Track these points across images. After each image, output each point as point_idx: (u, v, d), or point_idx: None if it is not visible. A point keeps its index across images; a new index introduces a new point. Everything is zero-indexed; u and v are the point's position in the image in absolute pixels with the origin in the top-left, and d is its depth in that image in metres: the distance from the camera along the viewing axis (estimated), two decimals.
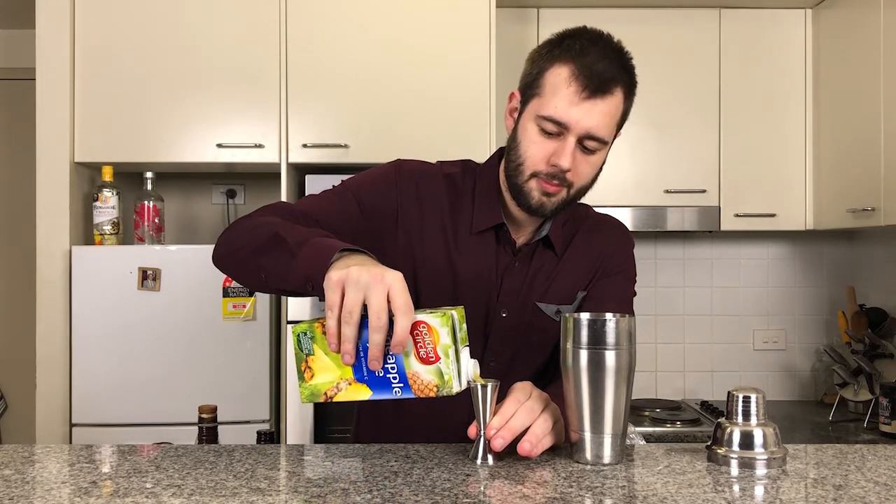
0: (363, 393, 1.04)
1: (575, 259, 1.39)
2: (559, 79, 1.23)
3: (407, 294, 0.98)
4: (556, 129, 1.23)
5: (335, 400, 1.05)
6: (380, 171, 1.38)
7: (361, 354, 1.02)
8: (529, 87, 1.28)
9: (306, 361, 1.05)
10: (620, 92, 1.24)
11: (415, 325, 1.01)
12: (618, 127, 1.29)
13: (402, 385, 1.03)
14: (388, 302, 0.98)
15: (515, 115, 1.31)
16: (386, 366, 1.02)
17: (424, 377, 1.02)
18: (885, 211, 2.52)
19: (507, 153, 1.32)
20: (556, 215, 1.34)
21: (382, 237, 1.33)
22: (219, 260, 1.27)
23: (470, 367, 1.05)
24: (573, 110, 1.21)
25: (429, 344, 1.02)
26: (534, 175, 1.26)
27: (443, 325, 1.01)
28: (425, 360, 1.02)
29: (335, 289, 1.00)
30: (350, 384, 1.04)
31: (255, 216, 1.26)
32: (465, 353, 1.04)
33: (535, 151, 1.25)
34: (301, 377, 1.06)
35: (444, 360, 1.01)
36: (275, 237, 1.15)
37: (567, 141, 1.23)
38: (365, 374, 1.03)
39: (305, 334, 1.05)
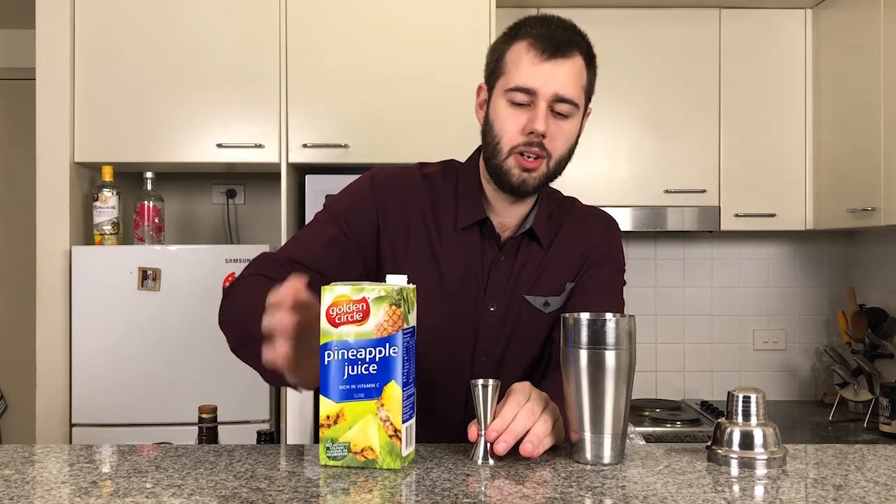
0: (393, 390, 1.01)
1: (562, 250, 1.40)
2: (519, 52, 1.27)
3: (283, 291, 1.01)
4: (525, 99, 1.26)
5: (404, 424, 1.02)
6: (356, 187, 1.41)
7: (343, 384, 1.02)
8: (493, 73, 1.32)
9: (353, 451, 1.02)
10: (580, 57, 1.28)
11: (331, 308, 1.01)
12: (587, 98, 1.32)
13: (385, 345, 1.01)
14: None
15: (485, 105, 1.34)
16: (364, 360, 1.01)
17: (379, 317, 1.00)
18: (885, 211, 2.52)
19: (484, 138, 1.34)
20: (539, 192, 1.36)
21: (369, 249, 1.36)
22: (224, 329, 1.29)
23: (392, 278, 1.04)
24: (537, 73, 1.25)
25: (348, 307, 1.01)
26: (512, 151, 1.28)
27: (331, 290, 1.01)
28: (365, 315, 1.01)
29: (267, 348, 1.01)
30: (383, 405, 1.01)
31: (241, 283, 1.28)
32: (373, 283, 1.03)
33: (511, 126, 1.27)
34: (372, 459, 1.02)
35: (366, 293, 1.00)
36: (247, 333, 1.14)
37: (539, 107, 1.25)
38: (370, 384, 1.01)
39: (328, 449, 1.03)
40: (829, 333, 3.24)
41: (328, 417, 1.03)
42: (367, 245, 1.35)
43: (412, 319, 1.05)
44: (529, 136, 1.26)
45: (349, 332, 1.01)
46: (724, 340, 3.28)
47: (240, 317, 1.19)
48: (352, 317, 1.01)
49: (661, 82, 2.95)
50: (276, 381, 1.10)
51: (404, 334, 1.02)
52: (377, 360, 1.01)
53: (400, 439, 1.01)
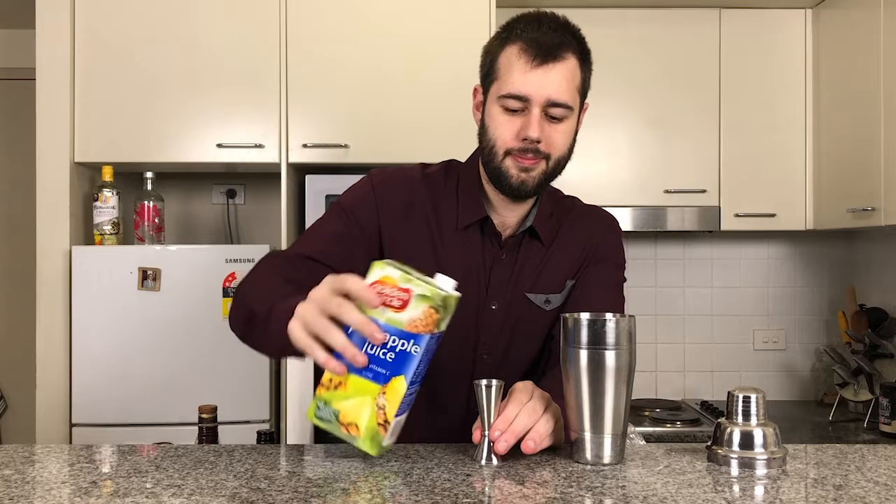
0: (399, 384, 1.00)
1: (563, 248, 1.40)
2: (511, 57, 1.27)
3: (347, 278, 0.99)
4: (518, 105, 1.26)
5: (396, 417, 1.01)
6: (356, 187, 1.40)
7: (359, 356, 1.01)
8: (487, 76, 1.33)
9: (340, 421, 1.02)
10: (573, 57, 1.27)
11: (375, 284, 1.00)
12: (581, 96, 1.31)
13: (409, 340, 0.99)
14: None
15: (482, 107, 1.35)
16: (385, 346, 1.00)
17: (415, 313, 0.99)
18: (885, 211, 2.52)
19: (480, 142, 1.34)
20: (540, 193, 1.36)
21: (374, 248, 1.36)
22: (234, 328, 1.28)
23: (441, 278, 1.02)
24: (528, 80, 1.24)
25: (391, 291, 0.99)
26: (507, 153, 1.28)
27: (381, 268, 1.00)
28: (403, 305, 0.99)
29: (299, 329, 0.99)
30: (384, 393, 1.00)
31: (249, 279, 1.27)
32: (423, 276, 1.02)
33: (504, 130, 1.28)
34: (353, 437, 1.01)
35: (413, 286, 0.99)
36: (251, 316, 1.16)
37: (532, 113, 1.25)
38: (382, 369, 1.00)
39: (319, 408, 1.03)
40: (829, 333, 3.24)
41: (330, 380, 1.02)
42: (374, 243, 1.35)
43: (444, 326, 1.02)
44: (524, 143, 1.26)
45: (382, 313, 0.99)
46: (724, 340, 3.28)
47: (255, 298, 1.18)
48: (391, 301, 1.00)
49: (661, 82, 2.95)
50: (285, 353, 1.09)
51: (431, 338, 1.00)
52: (397, 350, 0.99)
53: (386, 430, 1.01)
